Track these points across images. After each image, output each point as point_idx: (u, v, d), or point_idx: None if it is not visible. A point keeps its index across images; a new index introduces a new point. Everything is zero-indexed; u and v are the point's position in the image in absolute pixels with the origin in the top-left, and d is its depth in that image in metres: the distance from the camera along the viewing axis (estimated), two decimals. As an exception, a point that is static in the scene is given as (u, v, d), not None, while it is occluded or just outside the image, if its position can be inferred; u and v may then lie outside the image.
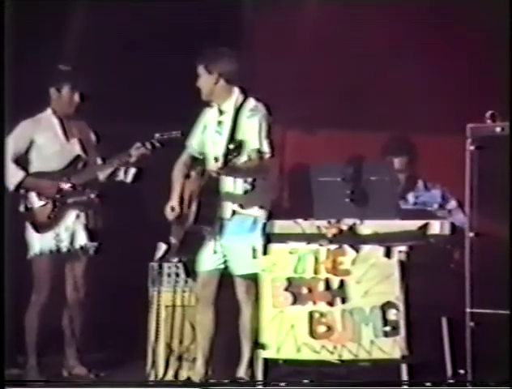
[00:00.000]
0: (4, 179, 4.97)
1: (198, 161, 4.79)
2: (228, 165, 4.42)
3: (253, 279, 4.55)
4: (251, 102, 4.65)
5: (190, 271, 4.74)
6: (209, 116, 4.77)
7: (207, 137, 4.76)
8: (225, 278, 4.72)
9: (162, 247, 4.88)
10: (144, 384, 4.62)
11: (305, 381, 4.30)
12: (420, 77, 5.15)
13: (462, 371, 4.06)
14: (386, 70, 5.26)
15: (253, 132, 4.55)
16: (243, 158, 4.45)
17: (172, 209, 4.73)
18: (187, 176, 4.78)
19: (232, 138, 4.57)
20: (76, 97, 5.13)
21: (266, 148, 4.54)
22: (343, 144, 5.29)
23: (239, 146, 4.41)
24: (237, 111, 4.64)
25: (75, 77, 5.11)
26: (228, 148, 4.44)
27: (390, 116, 5.27)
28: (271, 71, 5.40)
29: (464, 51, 5.08)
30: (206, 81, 4.65)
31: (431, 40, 5.17)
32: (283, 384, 4.33)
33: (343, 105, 5.41)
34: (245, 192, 4.62)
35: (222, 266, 4.71)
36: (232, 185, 4.63)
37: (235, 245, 4.60)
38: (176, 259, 4.81)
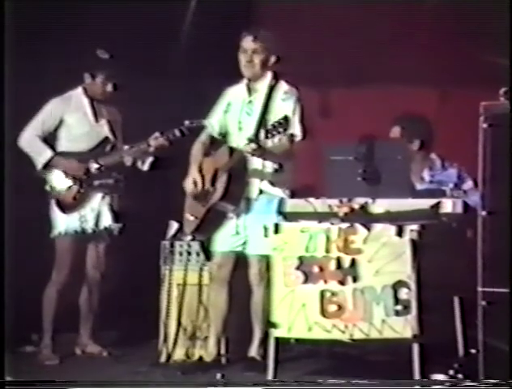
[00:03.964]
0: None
1: (217, 141, 4.79)
2: (262, 147, 4.40)
3: (268, 261, 4.56)
4: (284, 85, 4.65)
5: (207, 251, 4.75)
6: (235, 94, 4.75)
7: (231, 116, 4.74)
8: (241, 259, 4.72)
9: (174, 226, 4.89)
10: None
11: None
12: (433, 55, 5.13)
13: (473, 350, 4.03)
14: (398, 50, 5.23)
15: (287, 114, 4.53)
16: (275, 139, 4.45)
17: (195, 183, 4.72)
18: (206, 155, 4.78)
19: (263, 118, 4.57)
20: (109, 87, 5.13)
21: (298, 132, 4.56)
22: (356, 123, 5.27)
23: (284, 122, 4.40)
24: (270, 92, 4.63)
25: (112, 66, 5.09)
26: (273, 125, 4.42)
27: (404, 96, 5.25)
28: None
29: (477, 28, 5.04)
30: (262, 59, 4.63)
31: (443, 16, 5.13)
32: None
33: (355, 87, 5.39)
34: (275, 170, 4.63)
35: (240, 248, 4.71)
36: (261, 162, 4.62)
37: (258, 224, 4.56)
38: (189, 238, 4.81)
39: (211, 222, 4.70)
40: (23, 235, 4.67)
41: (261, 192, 4.67)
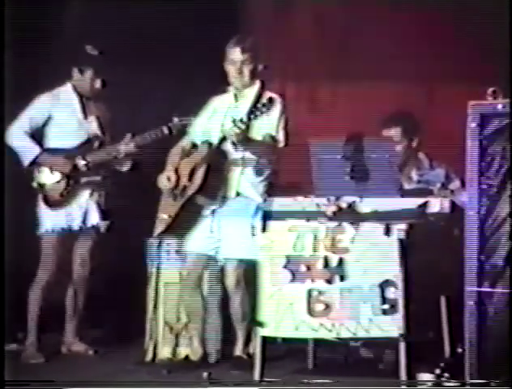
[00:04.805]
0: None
1: (197, 148, 4.77)
2: (245, 131, 4.39)
3: (246, 266, 4.55)
4: (269, 93, 4.66)
5: (180, 250, 4.75)
6: (221, 101, 4.76)
7: (215, 121, 4.73)
8: (212, 262, 4.71)
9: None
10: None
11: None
12: (421, 53, 5.14)
13: (460, 350, 4.04)
14: (387, 47, 5.24)
15: (271, 119, 4.57)
16: (258, 137, 4.45)
17: (168, 179, 4.71)
18: (183, 157, 4.77)
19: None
20: (98, 83, 5.11)
21: (281, 137, 4.58)
22: (343, 121, 5.28)
23: (268, 104, 4.41)
24: (257, 99, 4.63)
25: (101, 62, 5.07)
26: (255, 107, 4.43)
27: (392, 92, 5.25)
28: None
29: (466, 27, 5.05)
30: (251, 70, 4.64)
31: (433, 15, 5.14)
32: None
33: (343, 83, 5.39)
34: (256, 162, 4.62)
35: (212, 252, 4.69)
36: (240, 154, 4.62)
37: (233, 226, 4.59)
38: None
39: (184, 220, 4.69)
40: (9, 232, 4.64)
41: (238, 194, 4.65)
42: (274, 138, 4.57)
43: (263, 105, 4.46)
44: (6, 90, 4.29)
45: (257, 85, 4.71)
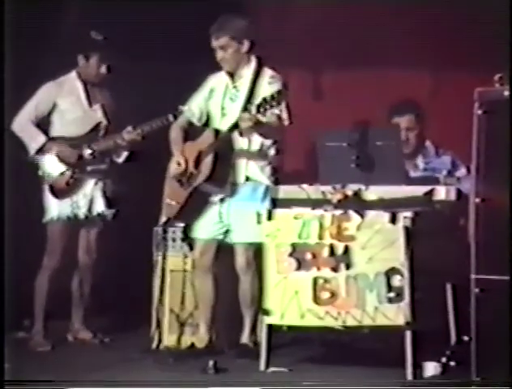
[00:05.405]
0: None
1: (194, 128, 4.74)
2: (255, 118, 4.35)
3: (255, 249, 4.53)
4: (269, 71, 4.62)
5: (189, 238, 4.73)
6: (218, 80, 4.71)
7: (214, 102, 4.70)
8: (223, 246, 4.70)
9: (167, 211, 4.85)
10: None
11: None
12: (428, 40, 5.10)
13: (466, 338, 4.02)
14: (392, 33, 5.20)
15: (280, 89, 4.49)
16: (263, 119, 4.41)
17: (179, 164, 4.68)
18: (186, 140, 4.75)
19: (248, 103, 4.52)
20: (103, 69, 5.09)
21: (285, 115, 4.50)
22: (349, 109, 5.25)
23: (277, 96, 4.36)
24: (255, 77, 4.60)
25: (106, 48, 5.05)
26: (264, 99, 4.37)
27: (398, 81, 5.22)
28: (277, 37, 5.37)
29: (473, 13, 5.01)
30: (234, 51, 4.60)
31: (440, 1, 5.10)
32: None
33: (349, 71, 5.36)
34: (261, 150, 4.59)
35: (221, 236, 4.68)
36: (247, 143, 4.60)
37: (242, 211, 4.57)
38: (180, 224, 4.79)
39: (192, 207, 4.66)
40: (15, 220, 4.64)
41: (247, 179, 4.63)
42: (279, 117, 4.48)
43: (272, 98, 4.38)
44: (7, 80, 4.27)
45: (253, 63, 4.65)
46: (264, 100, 4.39)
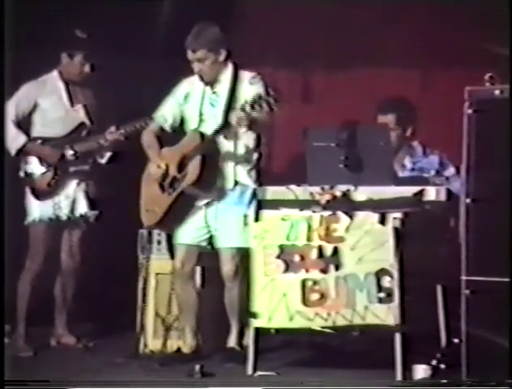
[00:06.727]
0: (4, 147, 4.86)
1: (165, 134, 4.68)
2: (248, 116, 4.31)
3: (242, 255, 4.48)
4: (247, 73, 4.58)
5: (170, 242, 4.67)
6: (193, 85, 4.66)
7: (190, 108, 4.64)
8: (206, 253, 4.63)
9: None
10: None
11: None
12: (417, 39, 5.08)
13: (456, 340, 3.98)
14: (382, 32, 5.18)
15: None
16: (263, 111, 4.34)
17: (158, 166, 4.62)
18: (162, 145, 4.69)
19: (230, 107, 4.48)
20: (87, 67, 5.03)
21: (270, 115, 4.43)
22: (338, 108, 5.21)
23: (273, 93, 4.31)
24: (235, 80, 4.56)
25: (90, 46, 4.99)
26: (259, 96, 4.32)
27: (386, 80, 5.19)
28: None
29: (464, 11, 4.99)
30: (212, 62, 4.56)
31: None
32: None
33: (337, 70, 5.34)
34: (247, 152, 4.54)
35: (205, 243, 4.63)
36: (233, 145, 4.54)
37: (229, 215, 4.51)
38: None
39: (175, 214, 4.58)
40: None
41: (236, 183, 4.58)
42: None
43: (268, 94, 4.31)
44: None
45: (229, 68, 4.61)
46: (259, 97, 4.34)
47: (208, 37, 4.57)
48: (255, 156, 4.60)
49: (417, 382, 4.07)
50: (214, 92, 4.62)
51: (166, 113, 4.69)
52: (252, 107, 4.33)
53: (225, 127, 4.48)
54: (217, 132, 4.51)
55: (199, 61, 4.58)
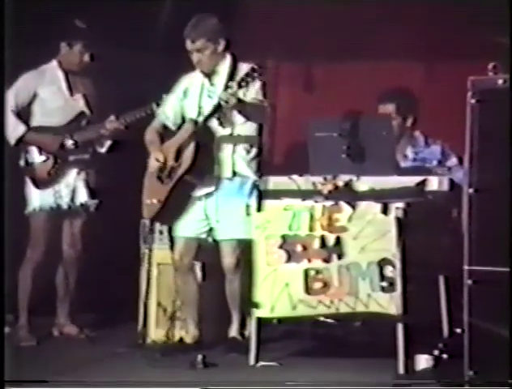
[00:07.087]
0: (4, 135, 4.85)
1: (169, 130, 4.67)
2: (236, 95, 4.33)
3: (243, 248, 4.47)
4: (246, 65, 4.56)
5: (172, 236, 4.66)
6: (192, 80, 4.66)
7: (189, 102, 4.64)
8: (204, 245, 4.62)
9: (153, 204, 4.76)
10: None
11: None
12: (419, 29, 5.06)
13: (458, 330, 3.98)
14: (384, 23, 5.16)
15: (254, 87, 4.49)
16: (249, 88, 4.40)
17: (157, 160, 4.61)
18: (163, 141, 4.68)
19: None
20: (86, 57, 5.02)
21: (266, 103, 4.48)
22: (340, 99, 5.19)
23: (258, 69, 4.34)
24: (232, 72, 4.55)
25: (90, 36, 4.98)
26: (245, 74, 4.36)
27: (389, 70, 5.17)
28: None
29: (465, 2, 4.97)
30: (211, 52, 4.56)
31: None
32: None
33: (339, 61, 5.32)
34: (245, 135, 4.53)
35: (204, 235, 4.62)
36: (229, 129, 4.54)
37: (230, 207, 4.50)
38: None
39: (175, 205, 4.57)
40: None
41: (234, 174, 4.57)
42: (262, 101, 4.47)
43: (253, 70, 4.35)
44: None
45: (228, 59, 4.61)
46: (246, 74, 4.37)
47: (207, 27, 4.57)
48: (256, 138, 4.59)
49: (420, 376, 4.08)
50: (212, 84, 4.62)
51: (167, 110, 4.70)
52: (239, 85, 4.35)
53: (216, 111, 4.48)
54: (210, 116, 4.51)
55: (198, 51, 4.57)
